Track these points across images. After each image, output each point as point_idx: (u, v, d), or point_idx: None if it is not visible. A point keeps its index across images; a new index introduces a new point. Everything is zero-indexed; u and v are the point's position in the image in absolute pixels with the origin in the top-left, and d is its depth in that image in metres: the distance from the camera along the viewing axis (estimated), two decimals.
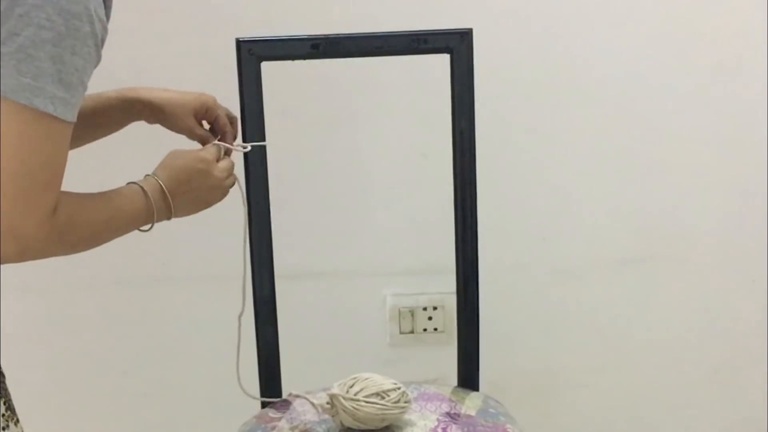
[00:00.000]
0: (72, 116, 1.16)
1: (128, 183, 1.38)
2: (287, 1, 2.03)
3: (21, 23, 1.10)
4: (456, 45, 1.56)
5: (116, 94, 1.51)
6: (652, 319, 2.23)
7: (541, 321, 2.21)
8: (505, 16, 2.05)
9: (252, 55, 1.54)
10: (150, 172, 1.40)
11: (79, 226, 1.26)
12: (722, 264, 2.21)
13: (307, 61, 1.61)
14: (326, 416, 1.50)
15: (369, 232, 2.18)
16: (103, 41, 1.19)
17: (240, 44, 1.54)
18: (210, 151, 1.46)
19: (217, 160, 1.46)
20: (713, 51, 2.10)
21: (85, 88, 1.18)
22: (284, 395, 1.65)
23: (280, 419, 1.54)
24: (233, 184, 1.50)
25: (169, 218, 1.43)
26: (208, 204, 1.48)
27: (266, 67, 1.55)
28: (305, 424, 1.50)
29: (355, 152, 2.13)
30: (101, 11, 1.17)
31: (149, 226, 1.41)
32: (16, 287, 2.10)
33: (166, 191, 1.39)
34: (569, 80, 2.10)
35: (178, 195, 1.41)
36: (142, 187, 1.37)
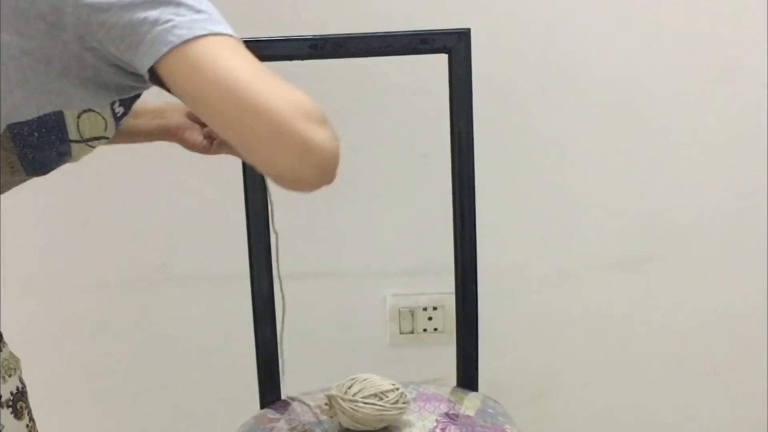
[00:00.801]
0: (228, 29, 1.13)
1: None
2: (287, 1, 2.03)
3: None
4: (454, 45, 1.56)
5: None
6: (652, 319, 2.23)
7: (540, 321, 2.21)
8: (504, 16, 2.05)
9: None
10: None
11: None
12: (722, 264, 2.21)
13: (307, 61, 1.61)
14: (324, 417, 1.50)
15: (369, 232, 2.18)
16: None
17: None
18: None
19: None
20: (713, 51, 2.10)
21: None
22: (283, 395, 1.65)
23: (278, 420, 1.54)
24: None
25: None
26: None
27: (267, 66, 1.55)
28: (304, 425, 1.50)
29: (355, 152, 2.13)
30: None
31: None
32: (17, 287, 2.10)
33: None
34: (568, 80, 2.10)
35: None
36: None
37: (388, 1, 2.04)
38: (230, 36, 1.12)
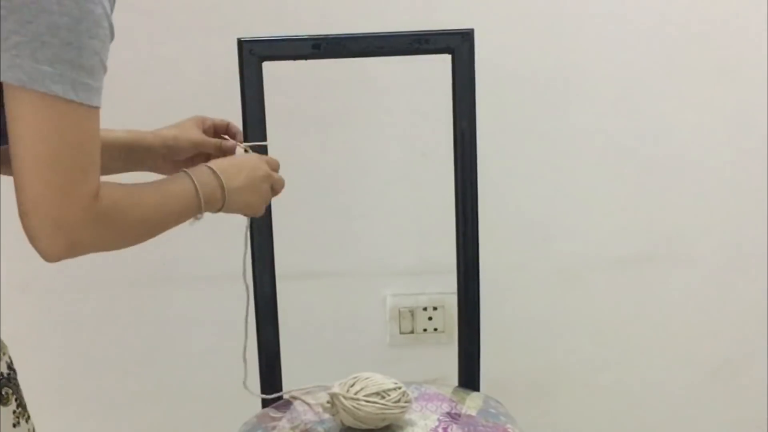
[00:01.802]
0: (97, 101, 1.14)
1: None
2: (289, 1, 2.03)
3: (33, 10, 1.08)
4: (457, 45, 1.56)
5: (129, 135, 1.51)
6: (652, 319, 2.23)
7: (541, 321, 2.21)
8: (507, 16, 2.05)
9: (253, 55, 1.54)
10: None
11: (127, 211, 1.22)
12: (722, 264, 2.21)
13: (309, 61, 1.61)
14: (326, 416, 1.50)
15: (369, 232, 2.18)
16: (110, 15, 1.17)
17: (242, 44, 1.54)
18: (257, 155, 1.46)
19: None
20: (713, 51, 2.10)
21: (105, 70, 1.16)
22: (284, 395, 1.65)
23: (280, 419, 1.54)
24: (282, 184, 1.48)
25: (220, 206, 1.39)
26: (260, 193, 1.44)
27: (267, 66, 1.55)
28: (306, 423, 1.50)
29: (355, 152, 2.13)
30: None
31: (200, 214, 1.37)
32: (17, 287, 2.10)
33: (218, 173, 1.35)
34: (570, 80, 2.10)
35: (231, 179, 1.37)
36: (188, 173, 1.34)
37: (391, 1, 2.04)
38: (79, 105, 1.12)
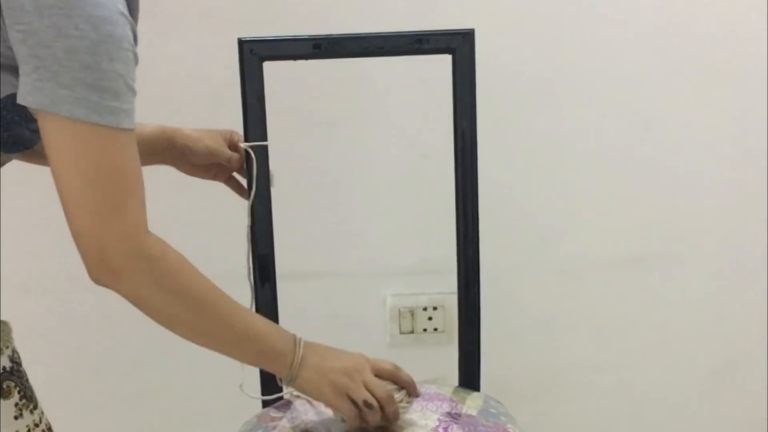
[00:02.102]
0: (127, 123, 1.13)
1: None
2: (289, 0, 2.03)
3: (51, 34, 1.08)
4: (458, 45, 1.56)
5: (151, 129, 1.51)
6: (652, 319, 2.23)
7: (541, 321, 2.22)
8: (507, 16, 2.05)
9: (254, 54, 1.54)
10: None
11: (180, 274, 1.22)
12: (722, 264, 2.21)
13: (309, 61, 1.61)
14: (327, 415, 1.50)
15: (369, 232, 2.18)
16: (136, 38, 1.16)
17: (242, 44, 1.54)
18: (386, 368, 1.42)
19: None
20: (713, 51, 2.11)
21: (134, 92, 1.15)
22: (284, 395, 1.65)
23: (281, 419, 1.54)
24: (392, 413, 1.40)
25: (287, 373, 1.37)
26: (330, 393, 1.38)
27: (268, 66, 1.55)
28: (306, 423, 1.50)
29: (355, 152, 2.13)
30: (124, 7, 1.14)
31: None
32: (17, 287, 2.10)
33: (299, 344, 1.35)
34: (570, 81, 2.10)
35: (311, 356, 1.36)
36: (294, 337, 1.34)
37: (391, 1, 2.04)
38: (104, 128, 1.12)
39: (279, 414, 1.56)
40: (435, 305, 2.20)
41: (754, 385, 2.25)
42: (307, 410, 1.54)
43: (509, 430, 1.51)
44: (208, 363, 2.19)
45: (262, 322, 1.35)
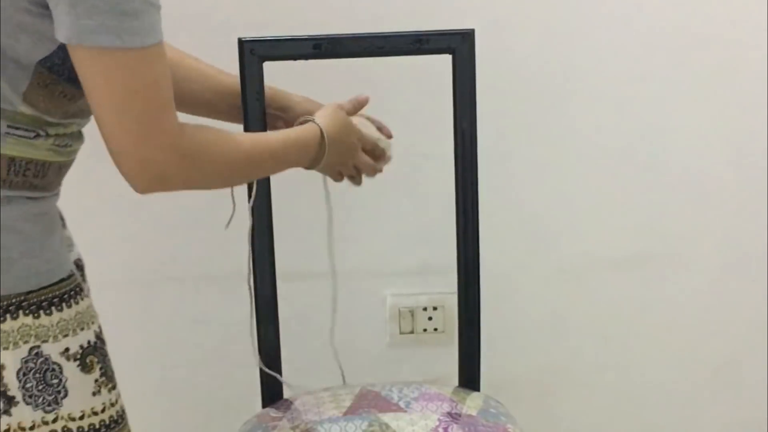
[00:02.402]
0: (152, 39, 1.17)
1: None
2: (289, 1, 2.03)
3: None
4: (458, 45, 1.56)
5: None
6: (652, 319, 2.23)
7: (541, 321, 2.22)
8: (507, 16, 2.05)
9: (254, 55, 1.54)
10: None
11: (215, 153, 1.29)
12: (722, 264, 2.21)
13: (309, 61, 1.61)
14: (327, 415, 1.50)
15: (369, 232, 2.18)
16: None
17: (242, 44, 1.54)
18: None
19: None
20: (713, 51, 2.11)
21: (156, 6, 1.19)
22: (285, 395, 1.65)
23: (281, 419, 1.54)
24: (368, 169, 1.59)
25: (315, 165, 1.49)
26: (344, 162, 1.56)
27: (268, 66, 1.55)
28: (306, 423, 1.50)
29: None
30: None
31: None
32: None
33: (325, 135, 1.46)
34: (570, 81, 2.10)
35: (334, 143, 1.48)
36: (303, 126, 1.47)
37: (391, 1, 2.04)
38: (128, 50, 1.17)
39: (279, 414, 1.56)
40: (435, 305, 2.20)
41: (755, 385, 2.25)
42: (307, 410, 1.54)
43: (509, 430, 1.51)
44: (208, 363, 2.20)
45: (290, 137, 1.45)
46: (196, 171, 1.28)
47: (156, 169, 1.23)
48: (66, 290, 1.31)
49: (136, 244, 2.15)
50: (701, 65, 2.11)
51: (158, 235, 2.13)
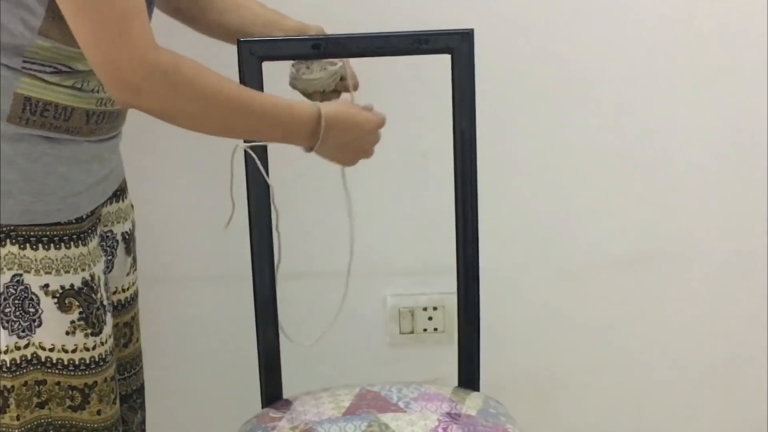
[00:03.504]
0: None
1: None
2: (288, 1, 2.03)
3: None
4: (457, 45, 1.56)
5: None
6: (652, 319, 2.23)
7: (541, 321, 2.22)
8: (507, 16, 2.05)
9: (253, 54, 1.54)
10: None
11: (195, 81, 1.32)
12: (722, 264, 2.21)
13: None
14: (327, 415, 1.50)
15: (369, 232, 2.17)
16: None
17: (241, 44, 1.54)
18: (380, 118, 1.56)
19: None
20: (713, 51, 2.10)
21: None
22: (285, 395, 1.65)
23: (280, 419, 1.54)
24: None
25: (312, 144, 1.49)
26: (352, 157, 1.59)
27: (267, 67, 1.55)
28: (306, 424, 1.50)
29: None
30: None
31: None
32: None
33: (322, 117, 1.45)
34: (570, 80, 2.10)
35: (332, 130, 1.47)
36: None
37: (391, 1, 2.04)
38: None
39: (278, 414, 1.56)
40: (435, 305, 2.20)
41: (755, 385, 2.25)
42: (306, 410, 1.54)
43: (508, 430, 1.51)
44: (208, 363, 2.20)
45: (283, 104, 1.45)
46: (172, 91, 1.30)
47: (128, 80, 1.25)
48: (60, 234, 1.38)
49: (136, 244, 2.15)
50: (701, 65, 2.11)
51: (158, 235, 2.13)
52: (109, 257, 1.55)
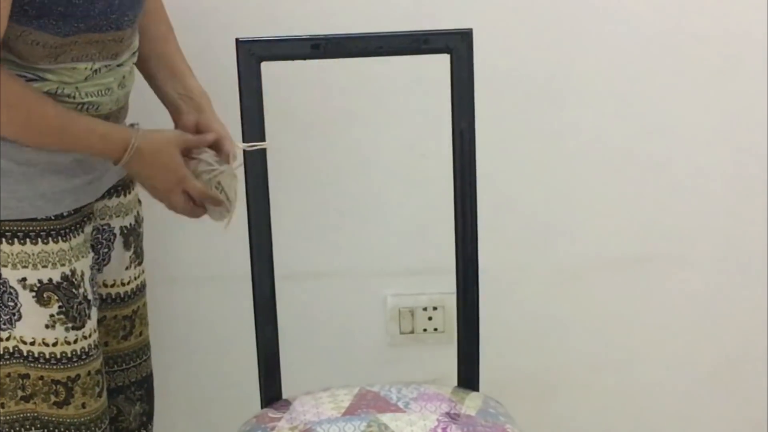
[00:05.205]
0: None
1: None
2: (287, 1, 2.03)
3: None
4: (456, 45, 1.56)
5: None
6: (652, 319, 2.23)
7: (541, 321, 2.21)
8: (506, 16, 2.05)
9: (252, 55, 1.54)
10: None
11: (12, 106, 1.32)
12: (722, 264, 2.21)
13: (308, 61, 1.61)
14: (326, 415, 1.50)
15: (369, 232, 2.18)
16: None
17: (240, 44, 1.54)
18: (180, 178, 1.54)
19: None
20: (713, 51, 2.10)
21: None
22: (284, 395, 1.65)
23: (279, 419, 1.54)
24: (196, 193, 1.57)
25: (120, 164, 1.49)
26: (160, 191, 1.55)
27: (266, 67, 1.55)
28: (305, 424, 1.50)
29: (355, 152, 2.13)
30: None
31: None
32: None
33: (131, 148, 1.46)
34: (569, 80, 2.10)
35: (142, 156, 1.47)
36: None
37: (390, 1, 2.04)
38: None
39: (278, 414, 1.56)
40: (435, 305, 2.20)
41: (755, 385, 2.25)
42: (306, 410, 1.54)
43: (508, 430, 1.51)
44: (208, 363, 2.20)
45: (99, 138, 1.45)
46: None
47: None
48: (36, 229, 1.41)
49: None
50: (701, 65, 2.11)
51: (158, 235, 2.13)
52: (105, 250, 1.56)
